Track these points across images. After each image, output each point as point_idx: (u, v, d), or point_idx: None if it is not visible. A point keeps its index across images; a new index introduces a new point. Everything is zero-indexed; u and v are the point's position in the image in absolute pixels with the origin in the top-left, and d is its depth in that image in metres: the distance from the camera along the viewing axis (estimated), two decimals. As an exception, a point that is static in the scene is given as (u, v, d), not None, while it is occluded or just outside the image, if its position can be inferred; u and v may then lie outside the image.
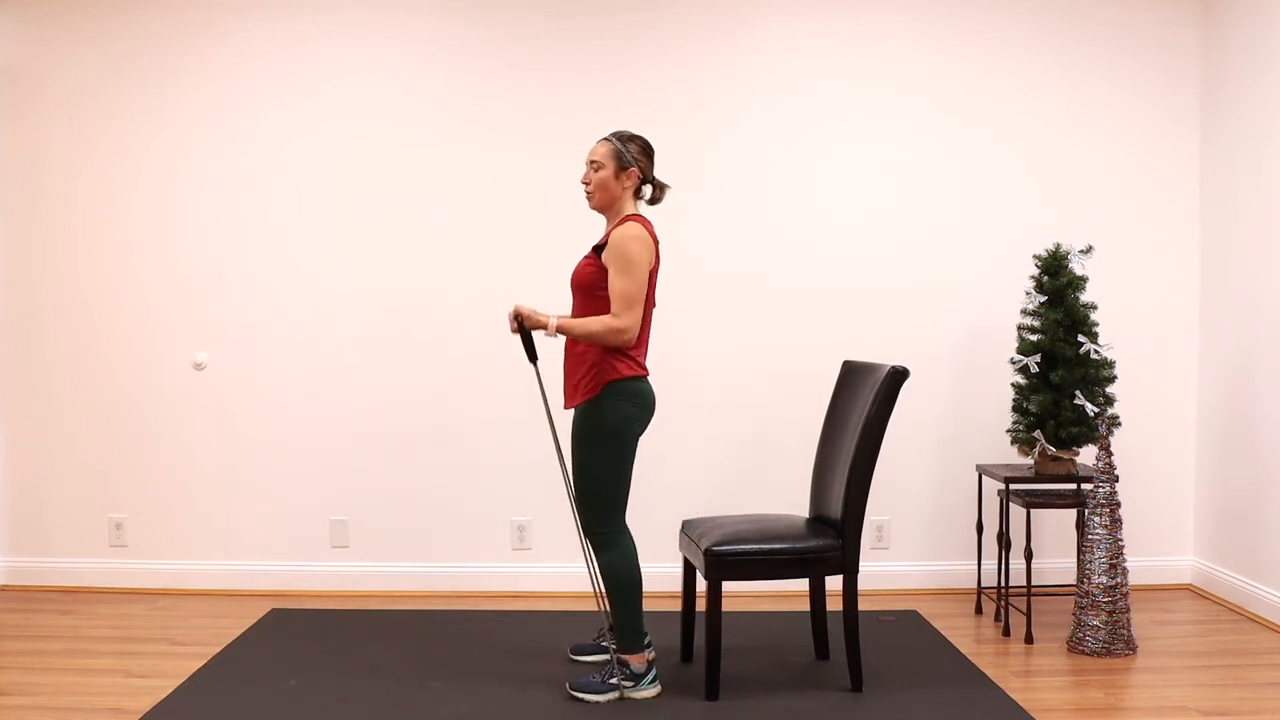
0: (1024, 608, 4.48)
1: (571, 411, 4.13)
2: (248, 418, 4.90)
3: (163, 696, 3.57)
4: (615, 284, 3.48)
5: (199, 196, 4.89)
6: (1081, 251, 4.28)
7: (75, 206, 4.91)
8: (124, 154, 4.89)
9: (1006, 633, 4.27)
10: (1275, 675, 3.78)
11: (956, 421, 4.90)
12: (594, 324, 3.48)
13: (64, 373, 4.94)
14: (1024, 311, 4.37)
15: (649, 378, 3.65)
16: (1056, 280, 4.26)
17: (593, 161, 3.63)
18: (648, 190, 3.73)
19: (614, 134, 3.66)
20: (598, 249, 3.59)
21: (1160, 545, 4.96)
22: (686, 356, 4.86)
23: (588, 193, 3.65)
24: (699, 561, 3.63)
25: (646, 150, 3.67)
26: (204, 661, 3.93)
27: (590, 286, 3.57)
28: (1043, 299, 4.27)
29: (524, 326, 3.62)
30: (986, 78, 4.87)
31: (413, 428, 4.89)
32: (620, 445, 3.55)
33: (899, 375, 3.60)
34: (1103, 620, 3.97)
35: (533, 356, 3.73)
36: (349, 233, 4.87)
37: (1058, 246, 4.29)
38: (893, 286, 4.88)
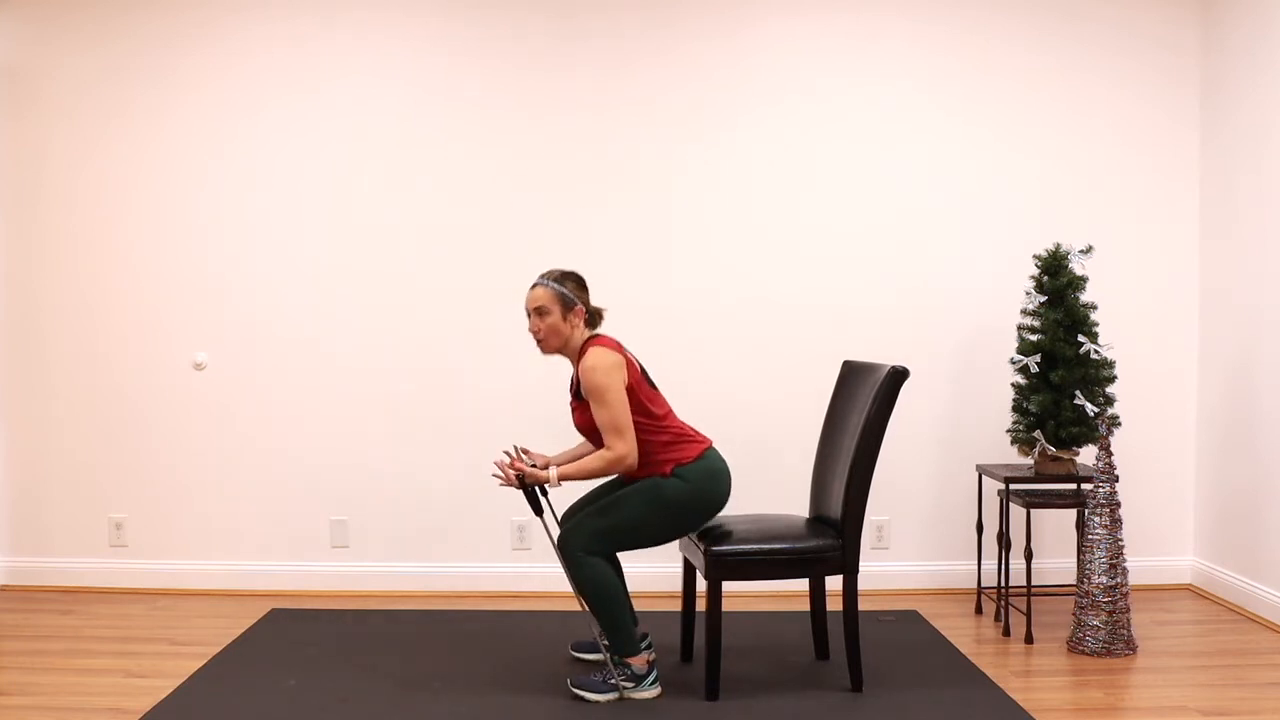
0: (1024, 608, 4.48)
1: None
2: (248, 418, 4.90)
3: (163, 696, 3.57)
4: (599, 417, 3.48)
5: (199, 196, 4.89)
6: (1081, 251, 4.28)
7: (75, 206, 4.91)
8: (124, 154, 4.89)
9: (1006, 633, 4.27)
10: (1275, 675, 3.78)
11: (956, 421, 4.90)
12: (593, 463, 3.50)
13: (64, 373, 4.94)
14: (1024, 311, 4.37)
15: (714, 445, 3.67)
16: (1056, 280, 4.25)
17: (537, 309, 3.57)
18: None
19: (546, 276, 3.61)
20: (575, 392, 3.61)
21: (1160, 545, 4.96)
22: (687, 357, 4.85)
23: (539, 340, 3.60)
24: (699, 562, 3.62)
25: (581, 284, 3.64)
26: (204, 661, 3.93)
27: (595, 427, 3.57)
28: (1043, 299, 4.27)
29: (525, 482, 3.56)
30: (986, 78, 4.87)
31: (413, 428, 4.89)
32: (674, 518, 3.55)
33: (899, 375, 3.60)
34: (1103, 620, 3.97)
35: (538, 510, 3.62)
36: (349, 233, 4.87)
37: (1058, 246, 4.29)
38: (892, 286, 4.88)
